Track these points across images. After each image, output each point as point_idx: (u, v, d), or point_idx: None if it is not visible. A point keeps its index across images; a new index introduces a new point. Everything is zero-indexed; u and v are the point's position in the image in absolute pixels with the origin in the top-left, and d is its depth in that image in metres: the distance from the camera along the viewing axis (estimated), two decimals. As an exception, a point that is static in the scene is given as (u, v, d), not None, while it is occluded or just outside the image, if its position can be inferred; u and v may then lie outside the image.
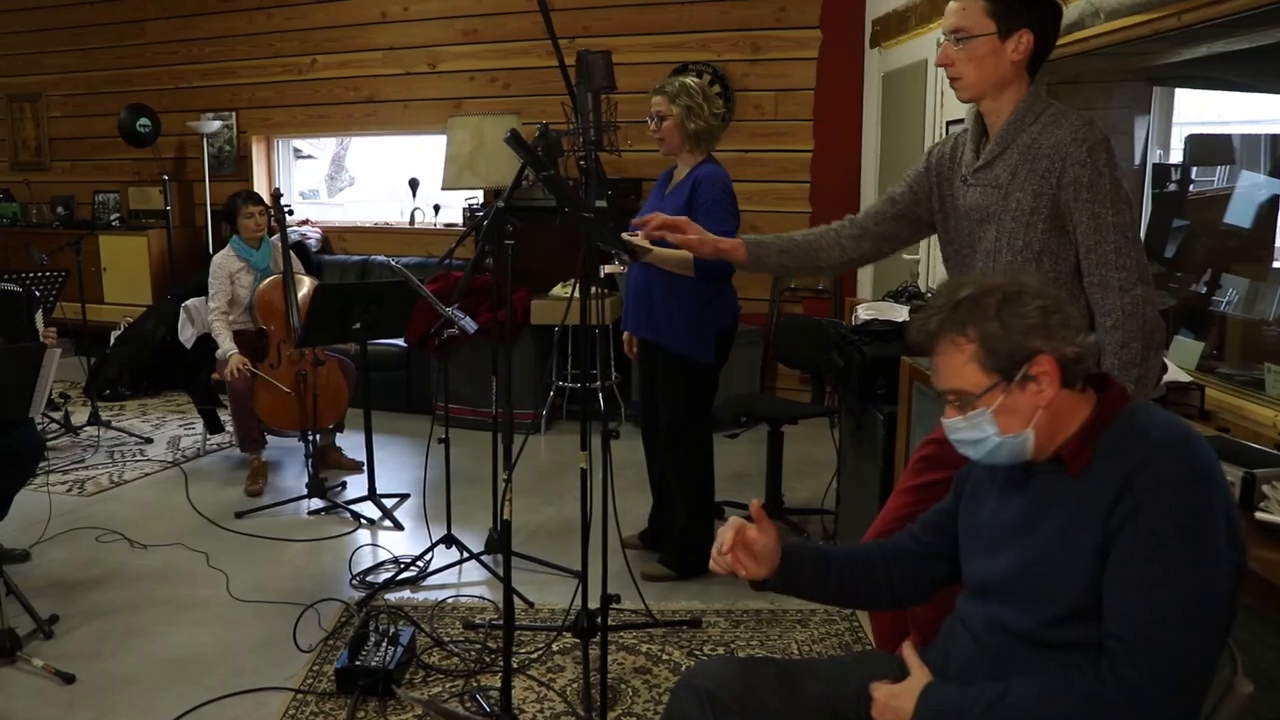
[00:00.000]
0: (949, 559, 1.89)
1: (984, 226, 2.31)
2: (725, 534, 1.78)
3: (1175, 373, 2.83)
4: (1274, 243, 3.77)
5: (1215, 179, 4.12)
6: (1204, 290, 3.85)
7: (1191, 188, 4.13)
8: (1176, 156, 4.27)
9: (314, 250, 7.51)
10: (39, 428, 5.52)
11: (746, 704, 1.77)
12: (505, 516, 2.49)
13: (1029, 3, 2.18)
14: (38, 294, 4.93)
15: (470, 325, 3.54)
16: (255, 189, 7.84)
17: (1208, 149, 4.14)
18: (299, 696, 3.02)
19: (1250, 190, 3.89)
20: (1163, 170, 4.24)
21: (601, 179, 2.88)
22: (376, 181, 8.71)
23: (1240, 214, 3.96)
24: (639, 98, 5.10)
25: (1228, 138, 4.10)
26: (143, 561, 4.07)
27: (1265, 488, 1.97)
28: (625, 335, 4.02)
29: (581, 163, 2.51)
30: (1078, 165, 2.10)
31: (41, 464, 5.20)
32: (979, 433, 1.64)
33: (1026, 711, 1.54)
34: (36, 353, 3.41)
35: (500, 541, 2.56)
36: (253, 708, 2.98)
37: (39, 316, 4.41)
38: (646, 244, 2.75)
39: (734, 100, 6.51)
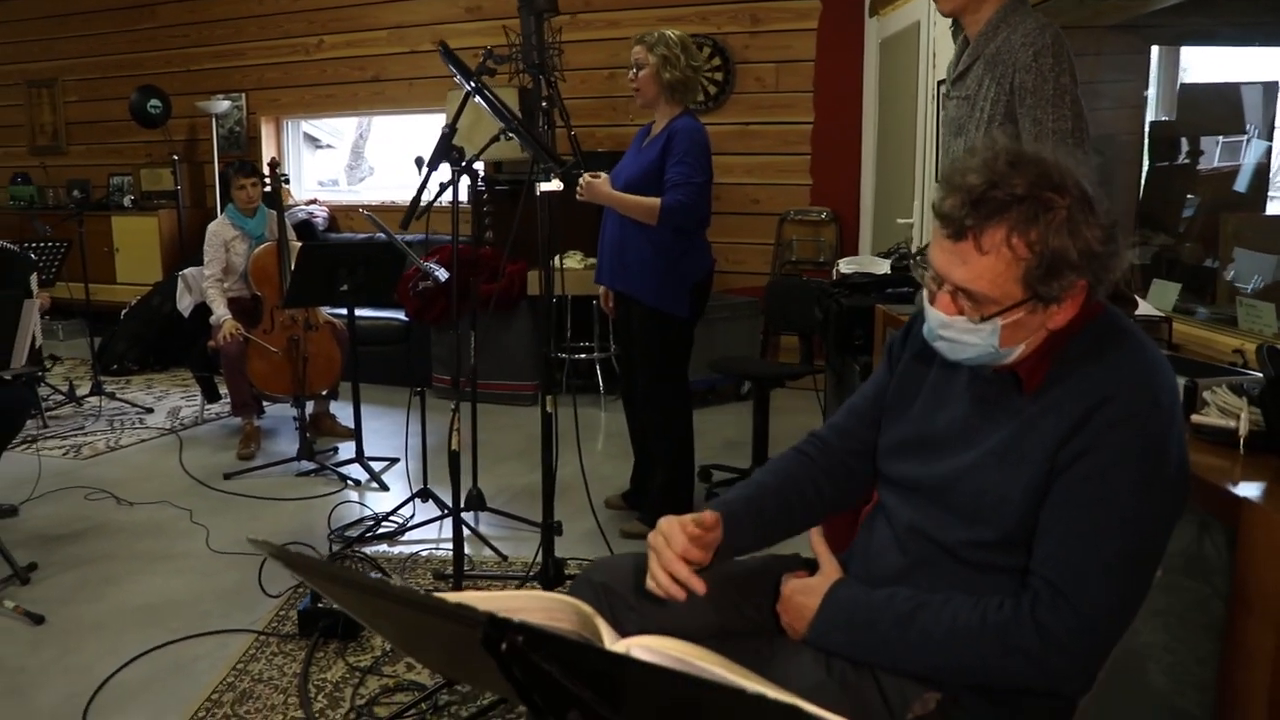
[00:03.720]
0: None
1: (956, 140, 2.29)
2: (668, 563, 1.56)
3: (1145, 309, 2.78)
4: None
5: (1217, 155, 4.06)
6: (1214, 264, 3.80)
7: (1201, 161, 4.08)
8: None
9: (321, 230, 7.54)
10: (43, 398, 5.61)
11: (644, 598, 1.63)
12: (453, 447, 2.48)
13: None
14: (34, 258, 4.98)
15: (442, 274, 3.54)
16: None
17: (1201, 100, 4.07)
18: (261, 638, 3.03)
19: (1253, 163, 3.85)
20: (1161, 131, 4.16)
21: (565, 119, 2.85)
22: (394, 169, 8.70)
23: (1245, 183, 3.91)
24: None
25: (1219, 86, 4.03)
26: (127, 517, 4.10)
27: (1206, 394, 1.96)
28: (601, 290, 4.00)
29: (544, 103, 2.51)
30: (1023, 70, 2.07)
31: (39, 426, 5.31)
32: (975, 338, 1.43)
33: (935, 640, 1.45)
34: (14, 302, 3.44)
35: (451, 474, 2.54)
36: (215, 648, 2.99)
37: (34, 279, 4.45)
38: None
39: (734, 73, 6.47)
